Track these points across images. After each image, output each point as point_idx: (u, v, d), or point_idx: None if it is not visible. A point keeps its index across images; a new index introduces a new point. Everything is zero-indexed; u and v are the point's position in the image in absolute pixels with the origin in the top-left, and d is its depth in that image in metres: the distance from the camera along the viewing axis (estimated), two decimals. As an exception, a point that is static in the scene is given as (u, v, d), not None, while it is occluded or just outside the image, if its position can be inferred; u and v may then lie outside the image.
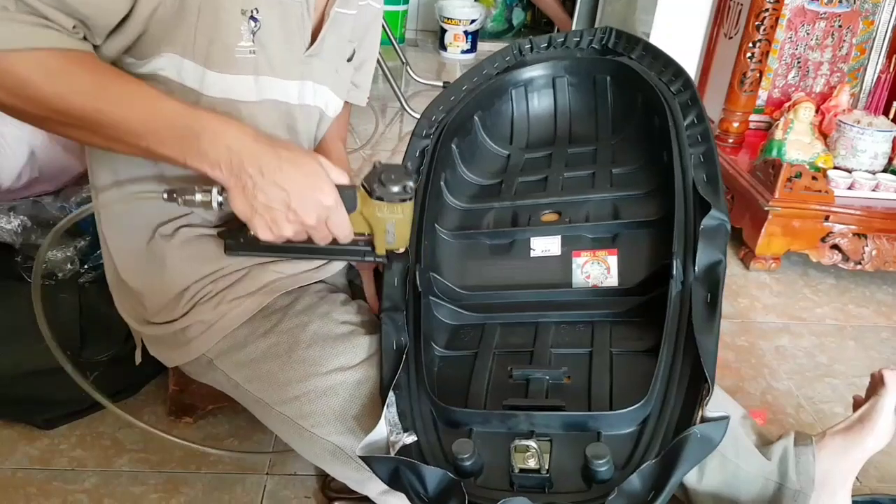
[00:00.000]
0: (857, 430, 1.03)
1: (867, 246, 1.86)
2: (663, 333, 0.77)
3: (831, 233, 1.87)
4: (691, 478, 1.03)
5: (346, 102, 1.08)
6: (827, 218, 1.86)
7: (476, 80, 1.16)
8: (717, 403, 1.04)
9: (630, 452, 0.71)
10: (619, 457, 0.71)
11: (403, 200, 0.81)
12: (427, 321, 0.90)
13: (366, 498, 0.94)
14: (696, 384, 0.72)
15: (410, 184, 0.81)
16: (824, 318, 1.77)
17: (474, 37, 3.90)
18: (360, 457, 0.74)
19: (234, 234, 0.88)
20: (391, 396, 0.80)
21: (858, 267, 1.88)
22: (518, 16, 4.26)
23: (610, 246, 0.95)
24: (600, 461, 0.68)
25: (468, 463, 0.72)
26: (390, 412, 0.79)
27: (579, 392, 0.80)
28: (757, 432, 1.07)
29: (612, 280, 0.92)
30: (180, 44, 0.79)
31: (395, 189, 0.80)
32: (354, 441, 0.86)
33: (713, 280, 0.79)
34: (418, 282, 0.89)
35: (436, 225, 1.01)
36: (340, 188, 0.80)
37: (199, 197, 0.78)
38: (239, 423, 1.26)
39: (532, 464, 0.70)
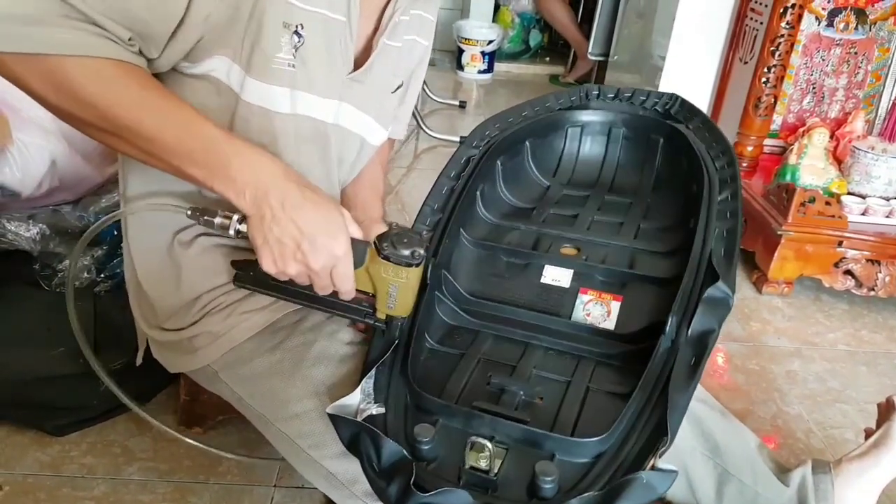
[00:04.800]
0: (872, 454, 1.04)
1: (880, 272, 1.85)
2: (640, 380, 0.80)
3: (844, 258, 1.86)
4: None
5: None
6: (840, 243, 1.85)
7: (538, 110, 1.21)
8: (734, 428, 1.05)
9: (578, 481, 0.74)
10: (567, 483, 0.73)
11: (410, 265, 0.80)
12: (426, 313, 0.92)
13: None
14: (659, 435, 0.74)
15: (421, 251, 0.80)
16: (836, 344, 1.76)
17: (491, 57, 3.94)
18: (328, 414, 0.76)
19: (245, 266, 0.89)
20: (373, 370, 0.83)
21: (871, 293, 1.87)
22: (535, 37, 4.30)
23: (617, 292, 0.98)
24: (547, 478, 0.70)
25: (426, 447, 0.75)
26: (367, 383, 0.82)
27: (547, 414, 0.83)
28: (773, 460, 1.06)
29: (610, 324, 0.95)
30: (231, 47, 0.81)
31: (404, 252, 0.79)
32: (348, 468, 0.86)
33: (702, 346, 0.82)
34: (428, 274, 0.91)
35: (461, 230, 1.04)
36: (353, 241, 0.79)
37: (218, 220, 0.80)
38: (248, 434, 1.26)
39: (483, 464, 0.73)
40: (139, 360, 1.11)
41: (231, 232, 0.80)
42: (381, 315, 0.86)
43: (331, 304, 0.87)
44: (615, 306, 0.97)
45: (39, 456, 1.21)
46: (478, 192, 1.10)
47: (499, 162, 1.15)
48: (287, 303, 0.95)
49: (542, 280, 1.02)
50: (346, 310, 0.88)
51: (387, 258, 0.79)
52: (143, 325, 1.04)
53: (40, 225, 1.49)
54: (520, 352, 0.93)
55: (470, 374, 0.89)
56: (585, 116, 1.22)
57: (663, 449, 0.71)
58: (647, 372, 0.81)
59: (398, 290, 0.82)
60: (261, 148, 0.78)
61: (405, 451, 0.72)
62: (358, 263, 0.80)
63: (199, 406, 1.24)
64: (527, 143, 1.20)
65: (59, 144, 1.55)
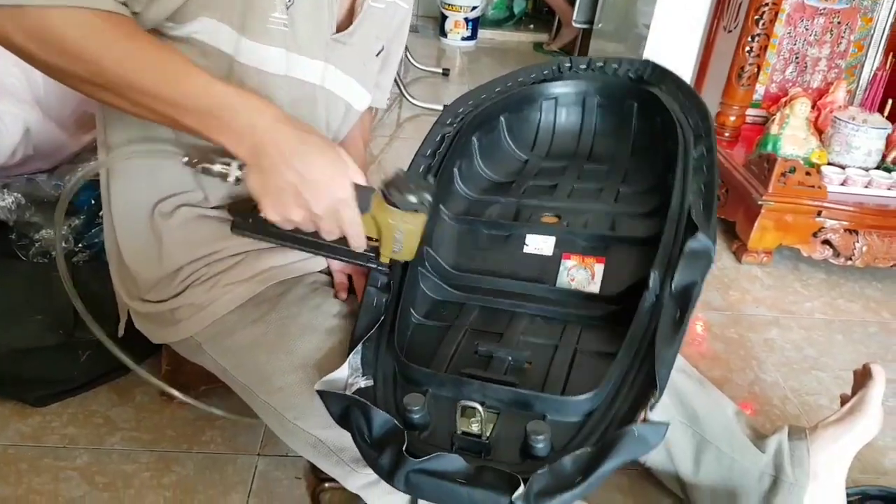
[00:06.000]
0: (847, 420, 1.06)
1: (858, 242, 1.87)
2: (626, 337, 0.80)
3: (823, 228, 1.89)
4: (688, 471, 1.05)
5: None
6: (819, 213, 1.87)
7: (510, 85, 1.21)
8: (712, 398, 1.07)
9: (570, 439, 0.74)
10: (560, 442, 0.74)
11: (417, 211, 0.81)
12: (410, 289, 0.92)
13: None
14: (648, 389, 0.75)
15: (428, 196, 0.81)
16: (813, 312, 1.79)
17: (475, 24, 3.89)
18: (317, 391, 0.76)
19: (243, 213, 0.88)
20: (359, 346, 0.83)
21: (849, 262, 1.90)
22: (519, 4, 4.26)
23: (600, 255, 0.98)
24: (538, 437, 0.70)
25: (416, 416, 0.75)
26: (355, 359, 0.82)
27: (536, 377, 0.83)
28: (750, 427, 1.08)
29: (594, 287, 0.95)
30: (219, 9, 0.79)
31: (412, 198, 0.80)
32: (336, 435, 0.86)
33: (686, 299, 0.82)
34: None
35: (440, 206, 1.04)
36: (357, 186, 0.79)
37: (217, 168, 0.78)
38: (232, 403, 1.25)
39: (475, 428, 0.73)
40: (121, 331, 1.09)
41: (231, 179, 0.78)
42: (384, 259, 0.86)
43: (332, 248, 0.87)
44: (599, 269, 0.97)
45: (20, 427, 1.21)
46: (455, 169, 1.10)
47: (474, 138, 1.15)
48: (271, 275, 0.95)
49: (525, 249, 1.02)
50: (348, 254, 0.88)
51: (394, 204, 0.80)
52: (124, 296, 1.03)
53: (15, 194, 1.46)
54: (506, 320, 0.93)
55: (457, 345, 0.89)
56: (559, 88, 1.22)
57: (653, 402, 0.72)
58: (633, 328, 0.80)
59: (404, 235, 0.83)
60: (254, 93, 0.76)
61: (396, 421, 0.72)
62: (363, 209, 0.80)
63: (182, 376, 1.23)
64: (501, 118, 1.20)
65: (33, 112, 1.52)
